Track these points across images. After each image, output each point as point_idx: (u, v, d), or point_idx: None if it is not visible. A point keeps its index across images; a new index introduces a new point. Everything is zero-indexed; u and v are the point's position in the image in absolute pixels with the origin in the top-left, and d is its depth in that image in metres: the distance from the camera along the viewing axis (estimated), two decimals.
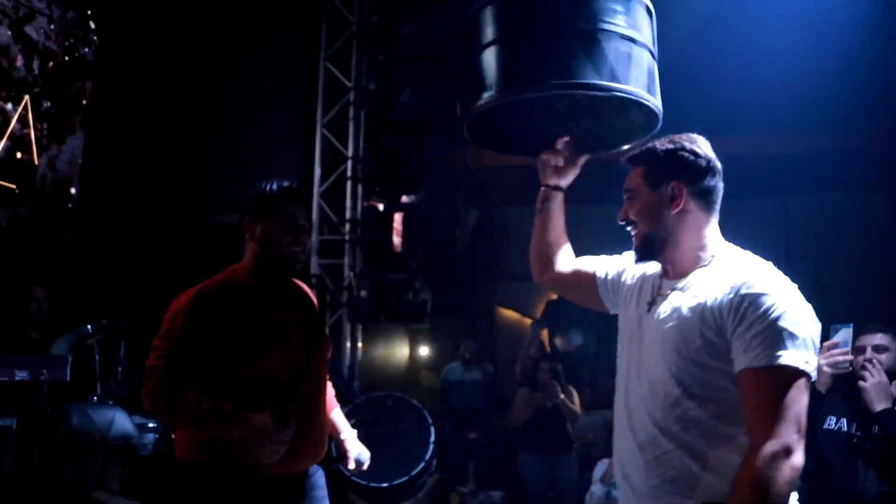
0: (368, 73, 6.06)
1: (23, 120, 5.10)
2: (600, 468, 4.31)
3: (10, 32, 5.02)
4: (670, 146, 1.61)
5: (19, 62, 5.10)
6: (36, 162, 5.22)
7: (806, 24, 5.09)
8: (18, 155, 5.07)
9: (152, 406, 1.92)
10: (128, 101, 6.05)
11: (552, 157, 1.86)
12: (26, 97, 5.14)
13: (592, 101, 1.81)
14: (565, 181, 1.90)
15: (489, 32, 1.78)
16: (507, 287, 8.72)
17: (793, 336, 1.34)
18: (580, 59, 1.65)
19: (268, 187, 2.14)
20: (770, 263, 1.52)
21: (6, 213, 4.95)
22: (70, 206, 5.54)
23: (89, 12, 5.76)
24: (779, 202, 7.74)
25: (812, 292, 1.47)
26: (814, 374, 1.37)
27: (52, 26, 5.39)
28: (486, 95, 1.73)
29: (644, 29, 1.75)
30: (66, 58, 5.54)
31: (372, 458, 2.39)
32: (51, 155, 5.38)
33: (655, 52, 1.79)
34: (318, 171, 5.86)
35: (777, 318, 1.35)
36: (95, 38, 5.81)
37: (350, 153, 5.86)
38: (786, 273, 1.48)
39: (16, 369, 3.00)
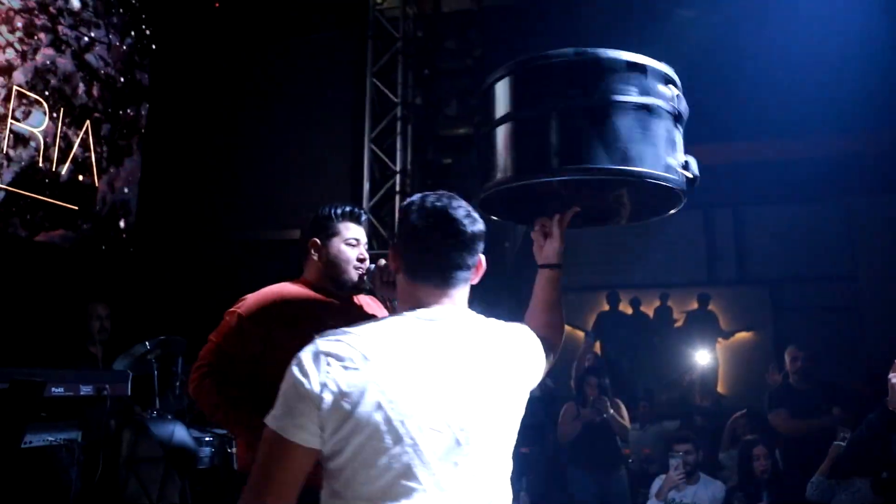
0: (414, 88, 6.11)
1: (84, 144, 5.31)
2: (657, 484, 4.20)
3: (73, 61, 5.24)
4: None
5: (81, 89, 5.31)
6: (96, 184, 5.42)
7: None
8: (80, 178, 5.27)
9: (195, 396, 2.06)
10: (181, 122, 6.23)
11: (538, 234, 1.76)
12: (87, 122, 5.34)
13: (604, 183, 1.69)
14: (545, 258, 1.75)
15: (501, 108, 1.71)
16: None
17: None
18: (589, 140, 1.57)
19: (333, 210, 2.19)
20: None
21: (69, 233, 5.14)
22: (128, 225, 5.72)
23: (145, 41, 5.97)
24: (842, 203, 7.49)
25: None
26: (283, 431, 1.17)
27: (110, 53, 5.60)
28: (498, 177, 1.67)
29: (663, 90, 1.64)
30: (123, 82, 5.74)
31: None
32: (110, 176, 5.57)
33: (682, 109, 1.67)
34: (366, 186, 5.91)
35: None
36: (150, 62, 6.02)
37: (398, 167, 5.90)
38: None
39: (80, 384, 3.09)
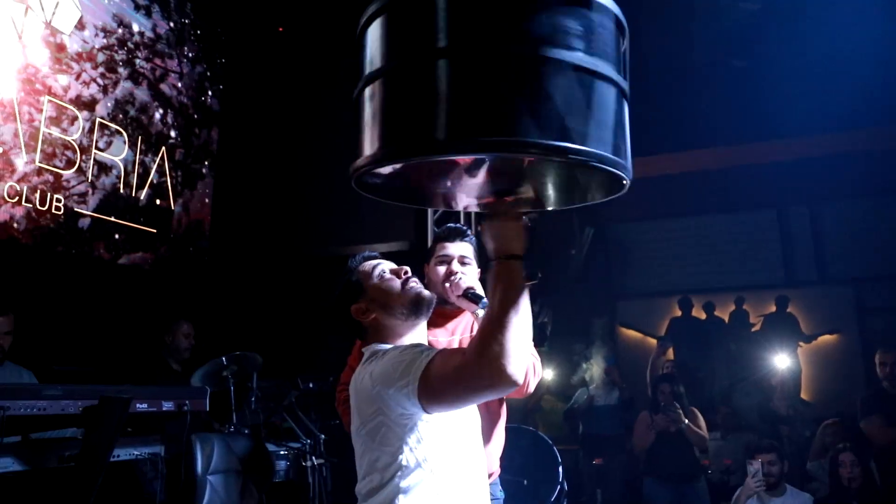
0: None
1: (160, 169, 5.55)
2: (736, 494, 4.04)
3: (149, 91, 5.50)
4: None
5: (156, 117, 5.56)
6: (172, 207, 5.65)
7: None
8: (157, 202, 5.50)
9: (340, 413, 2.17)
10: (250, 144, 6.43)
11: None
12: (163, 149, 5.58)
13: (533, 164, 1.31)
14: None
15: (371, 59, 1.29)
16: (628, 306, 8.44)
17: None
18: (515, 105, 1.13)
19: (436, 233, 2.27)
20: None
21: (148, 255, 5.37)
22: (203, 245, 5.93)
23: (215, 68, 6.21)
24: None
25: None
26: None
27: (182, 82, 5.85)
28: (364, 155, 1.26)
29: (611, 52, 1.24)
30: (195, 109, 5.98)
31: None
32: (185, 199, 5.80)
33: (626, 83, 1.28)
34: None
35: None
36: (219, 88, 6.25)
37: None
38: None
39: (163, 400, 3.21)
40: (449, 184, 1.46)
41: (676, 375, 5.26)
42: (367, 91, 1.28)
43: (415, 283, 1.59)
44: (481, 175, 1.37)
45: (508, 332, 1.27)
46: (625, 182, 1.29)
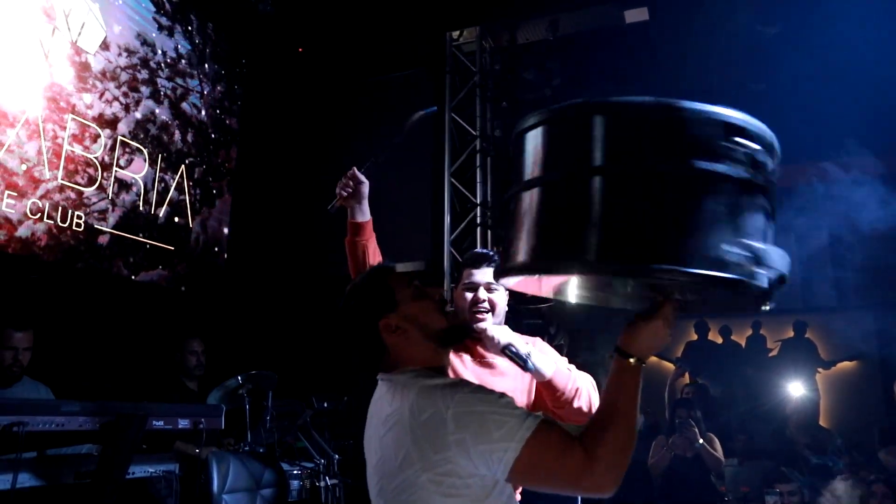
0: (493, 121, 6.16)
1: (179, 187, 5.60)
2: None
3: (169, 110, 5.57)
4: None
5: (176, 136, 5.62)
6: (190, 224, 5.69)
7: None
8: (176, 219, 5.55)
9: None
10: (268, 162, 6.49)
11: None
12: (182, 167, 5.64)
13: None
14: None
15: (531, 167, 1.30)
16: None
17: None
18: (660, 229, 1.14)
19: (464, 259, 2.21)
20: None
21: (166, 272, 5.41)
22: (220, 263, 5.97)
23: (234, 88, 6.29)
24: None
25: None
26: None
27: (202, 101, 5.93)
28: (516, 260, 1.28)
29: (765, 161, 1.24)
30: (214, 127, 6.05)
31: None
32: (203, 217, 5.85)
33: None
34: (447, 220, 5.96)
35: None
36: (238, 108, 6.32)
37: (478, 200, 5.93)
38: None
39: (178, 418, 3.21)
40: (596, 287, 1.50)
41: (694, 400, 5.20)
42: (525, 196, 1.30)
43: (451, 309, 1.52)
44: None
45: (632, 443, 1.22)
46: (768, 306, 1.27)
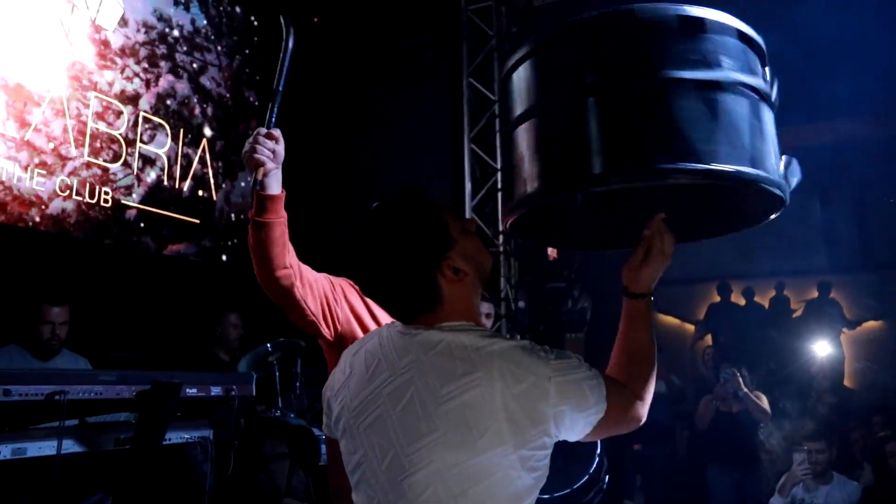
0: None
1: (202, 161, 5.66)
2: (782, 481, 4.00)
3: (189, 85, 5.61)
4: None
5: (197, 110, 5.67)
6: (214, 198, 5.76)
7: None
8: (200, 193, 5.62)
9: None
10: (287, 134, 6.50)
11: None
12: (204, 141, 5.70)
13: (701, 190, 1.33)
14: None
15: (521, 100, 1.32)
16: (665, 292, 8.34)
17: None
18: (707, 130, 1.16)
19: None
20: None
21: (192, 245, 5.50)
22: (245, 235, 6.04)
23: (252, 60, 6.29)
24: None
25: None
26: None
27: (221, 75, 5.95)
28: (523, 191, 1.29)
29: (740, 65, 1.24)
30: (233, 101, 6.08)
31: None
32: (226, 191, 5.91)
33: (766, 89, 1.30)
34: (468, 186, 5.97)
35: None
36: (256, 80, 6.33)
37: (499, 165, 5.92)
38: None
39: (211, 385, 3.30)
40: (602, 223, 1.51)
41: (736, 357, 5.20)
42: (522, 128, 1.32)
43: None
44: (632, 213, 1.39)
45: (655, 372, 1.28)
46: (784, 200, 1.28)
